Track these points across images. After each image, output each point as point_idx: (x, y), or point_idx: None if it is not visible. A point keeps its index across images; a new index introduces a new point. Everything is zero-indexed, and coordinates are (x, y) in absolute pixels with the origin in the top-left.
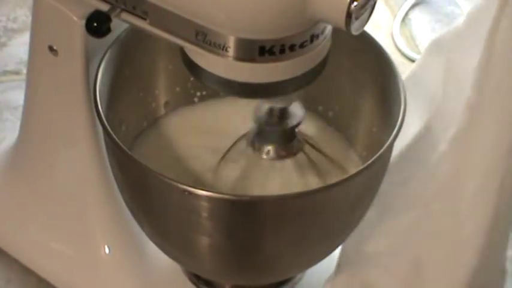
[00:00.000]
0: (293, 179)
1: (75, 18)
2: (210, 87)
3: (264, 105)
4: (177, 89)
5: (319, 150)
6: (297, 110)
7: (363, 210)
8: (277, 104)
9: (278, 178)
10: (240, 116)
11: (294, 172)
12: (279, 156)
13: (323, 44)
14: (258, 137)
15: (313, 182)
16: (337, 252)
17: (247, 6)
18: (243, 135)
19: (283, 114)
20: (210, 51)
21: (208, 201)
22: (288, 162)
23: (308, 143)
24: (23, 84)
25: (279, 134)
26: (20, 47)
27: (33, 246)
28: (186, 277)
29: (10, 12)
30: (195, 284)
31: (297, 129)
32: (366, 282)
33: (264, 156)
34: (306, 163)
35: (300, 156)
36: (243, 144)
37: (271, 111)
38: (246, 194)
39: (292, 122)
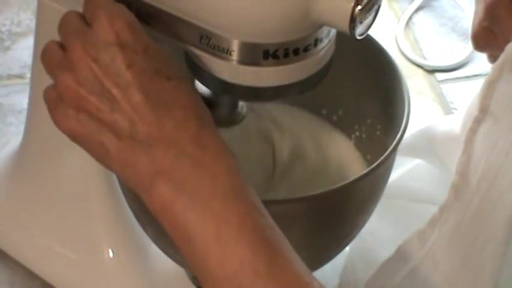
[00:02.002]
0: None
1: None
2: (213, 91)
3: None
4: None
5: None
6: None
7: (368, 213)
8: None
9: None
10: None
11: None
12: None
13: (327, 47)
14: None
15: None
16: (342, 254)
17: (251, 11)
18: None
19: None
20: (214, 55)
21: None
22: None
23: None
24: (27, 88)
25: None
26: (24, 50)
27: (37, 250)
28: (190, 281)
29: (14, 16)
30: (199, 287)
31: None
32: None
33: None
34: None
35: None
36: None
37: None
38: None
39: None
